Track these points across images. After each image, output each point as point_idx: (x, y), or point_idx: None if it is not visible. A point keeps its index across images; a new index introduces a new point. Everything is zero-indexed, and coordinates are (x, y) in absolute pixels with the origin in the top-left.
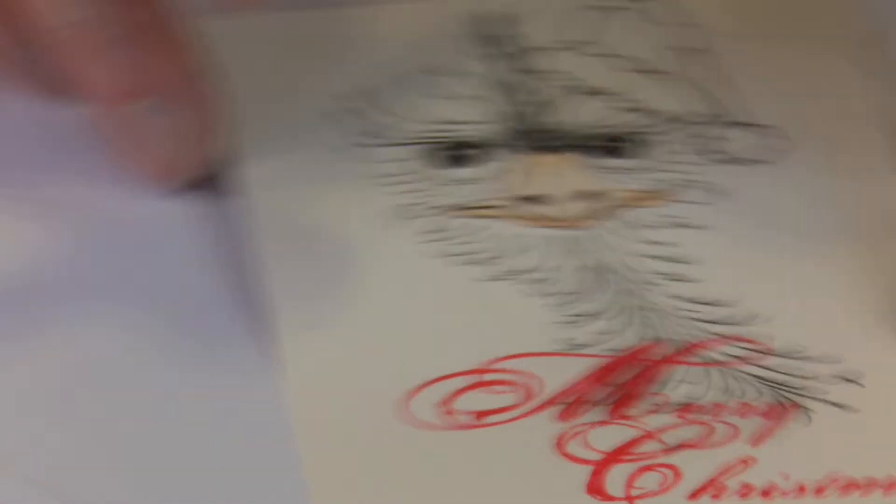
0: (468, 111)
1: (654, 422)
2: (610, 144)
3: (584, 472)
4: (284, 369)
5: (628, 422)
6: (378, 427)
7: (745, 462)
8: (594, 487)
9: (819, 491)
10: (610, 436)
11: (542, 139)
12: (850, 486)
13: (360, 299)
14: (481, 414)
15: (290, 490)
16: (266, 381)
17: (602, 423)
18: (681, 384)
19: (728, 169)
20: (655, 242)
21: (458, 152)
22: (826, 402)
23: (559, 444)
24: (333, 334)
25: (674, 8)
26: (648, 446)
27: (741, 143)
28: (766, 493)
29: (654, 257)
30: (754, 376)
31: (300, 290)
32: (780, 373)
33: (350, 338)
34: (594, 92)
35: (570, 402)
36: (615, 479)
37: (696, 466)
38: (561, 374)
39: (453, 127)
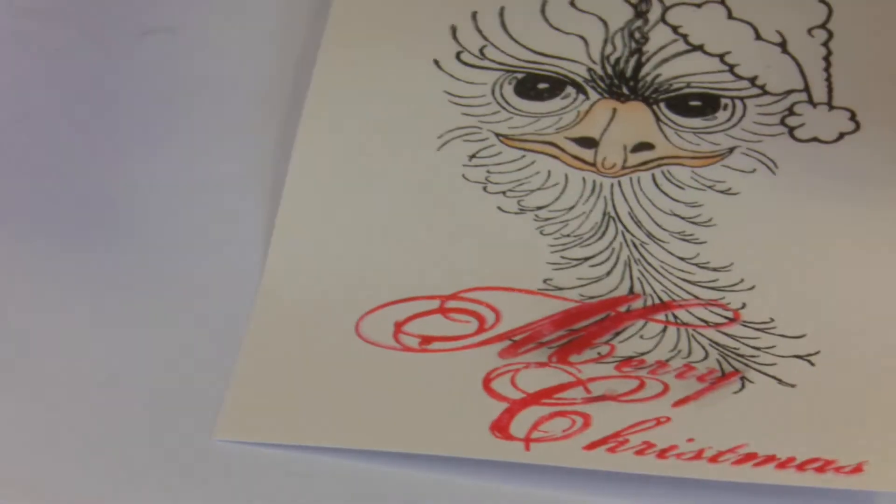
0: (561, 47)
1: (589, 371)
2: (682, 101)
3: (497, 409)
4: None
5: (564, 367)
6: (330, 334)
7: (659, 421)
8: (499, 425)
9: (713, 459)
10: (540, 378)
11: (617, 86)
12: (747, 457)
13: (372, 203)
14: (426, 339)
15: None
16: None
17: (539, 364)
18: (633, 338)
19: (785, 143)
20: (678, 201)
21: (531, 84)
22: (768, 374)
23: (487, 379)
24: (330, 229)
25: None
26: (572, 393)
27: (809, 120)
28: (662, 454)
29: (670, 214)
30: (709, 339)
31: (318, 179)
32: (737, 339)
33: (344, 236)
34: (694, 48)
35: (517, 341)
36: (524, 420)
37: (608, 418)
38: (524, 313)
39: (540, 59)
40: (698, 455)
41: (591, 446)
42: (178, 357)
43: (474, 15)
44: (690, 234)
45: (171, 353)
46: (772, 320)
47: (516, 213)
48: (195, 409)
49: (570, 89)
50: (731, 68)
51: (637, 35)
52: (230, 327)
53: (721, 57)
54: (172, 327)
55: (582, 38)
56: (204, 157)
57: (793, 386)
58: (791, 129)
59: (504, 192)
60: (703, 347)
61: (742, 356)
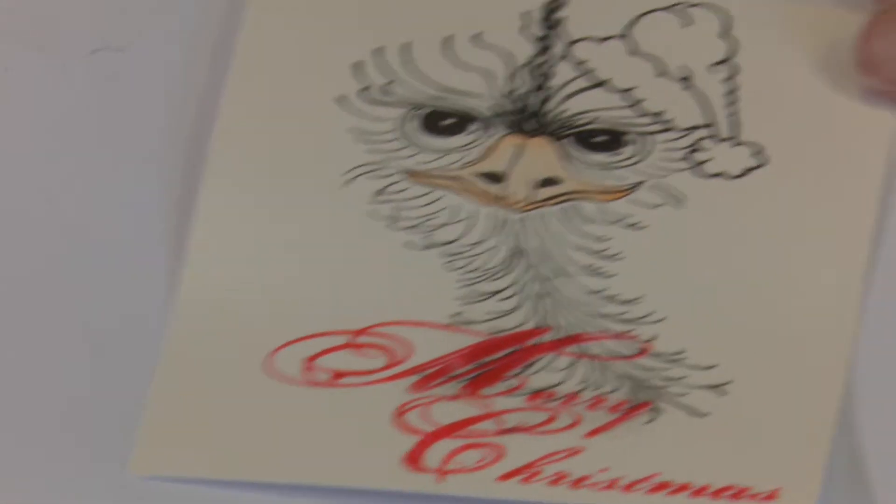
0: (466, 82)
1: (501, 403)
2: (588, 137)
3: (409, 441)
4: (178, 288)
5: (475, 400)
6: (240, 371)
7: (572, 452)
8: (411, 458)
9: (627, 488)
10: (451, 411)
11: (522, 121)
12: (662, 486)
13: (280, 241)
14: (337, 374)
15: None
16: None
17: (450, 397)
18: (543, 371)
19: (692, 178)
20: (587, 235)
21: (437, 120)
22: (679, 405)
23: (399, 413)
24: (239, 266)
25: (712, 17)
26: (484, 426)
27: (715, 155)
28: (576, 483)
29: (578, 248)
30: (620, 371)
31: (226, 218)
32: (648, 370)
33: (255, 274)
34: (599, 83)
35: (428, 375)
36: (437, 452)
37: (521, 449)
38: (434, 347)
39: (445, 95)
40: (612, 484)
41: (505, 477)
42: (92, 390)
43: (378, 51)
44: (599, 268)
45: (84, 385)
46: (683, 351)
47: (424, 249)
48: (110, 444)
49: (475, 125)
50: (636, 104)
51: (541, 70)
52: (144, 362)
53: (626, 92)
54: (85, 360)
55: (486, 73)
56: (112, 190)
57: (705, 415)
58: (697, 165)
59: (412, 228)
60: (614, 379)
61: (653, 387)
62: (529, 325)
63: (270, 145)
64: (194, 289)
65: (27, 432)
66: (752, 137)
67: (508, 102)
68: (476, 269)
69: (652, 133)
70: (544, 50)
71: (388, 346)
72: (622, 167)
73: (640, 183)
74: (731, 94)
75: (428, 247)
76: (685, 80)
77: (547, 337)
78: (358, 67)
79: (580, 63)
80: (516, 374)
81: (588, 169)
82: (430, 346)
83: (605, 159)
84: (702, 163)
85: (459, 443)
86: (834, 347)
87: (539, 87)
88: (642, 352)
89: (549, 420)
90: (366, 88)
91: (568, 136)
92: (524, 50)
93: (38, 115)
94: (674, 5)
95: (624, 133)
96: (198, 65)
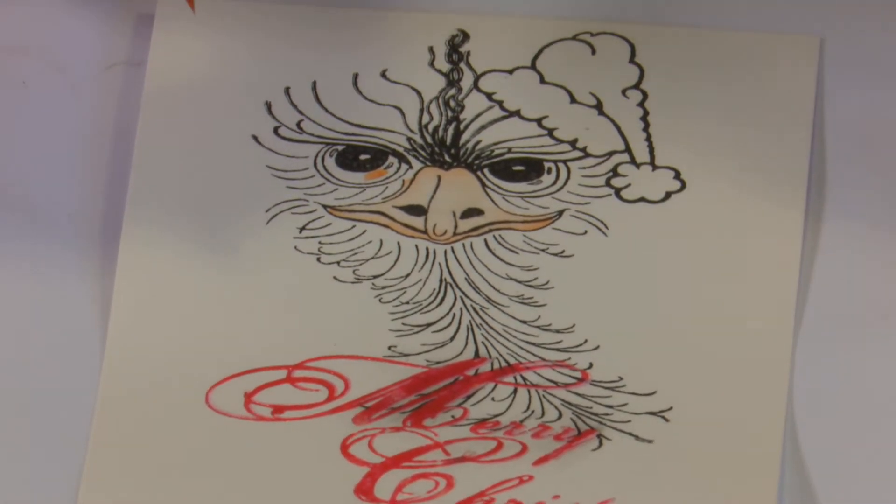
0: (378, 118)
1: (446, 433)
2: (505, 167)
3: (358, 473)
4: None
5: (420, 430)
6: (180, 407)
7: (522, 480)
8: (363, 489)
9: None
10: (397, 442)
11: (438, 153)
12: None
13: (207, 281)
14: (278, 409)
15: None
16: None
17: (395, 429)
18: (485, 401)
19: (613, 204)
20: (513, 265)
21: (352, 156)
22: (623, 431)
23: (344, 445)
24: (169, 305)
25: (621, 42)
26: (431, 456)
27: (635, 180)
28: None
29: (507, 278)
30: (561, 399)
31: (152, 261)
32: (588, 398)
33: (183, 313)
34: (512, 114)
35: (370, 407)
36: (387, 483)
37: (472, 478)
38: (373, 380)
39: (358, 131)
40: None
41: None
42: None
43: (287, 90)
44: (529, 298)
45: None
46: (620, 379)
47: (353, 283)
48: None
49: (392, 159)
50: (550, 132)
51: (452, 103)
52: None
53: (539, 121)
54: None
55: (398, 108)
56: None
57: (650, 441)
58: (617, 191)
59: (338, 262)
60: (556, 407)
61: (596, 415)
62: (466, 356)
63: (189, 186)
64: (121, 332)
65: None
66: (667, 162)
67: (422, 136)
68: (407, 302)
69: (569, 160)
70: (452, 83)
71: (327, 380)
72: (543, 195)
73: (562, 211)
74: (644, 119)
75: (357, 280)
76: (597, 106)
77: (484, 367)
78: (269, 106)
79: (490, 94)
80: (458, 405)
81: (509, 198)
82: (369, 379)
83: (525, 188)
84: (622, 189)
85: (409, 473)
86: (773, 369)
87: (451, 120)
88: (581, 380)
89: (496, 449)
90: (279, 126)
91: (485, 166)
92: (433, 84)
93: (54, 127)
94: (578, 35)
95: (541, 161)
96: None
